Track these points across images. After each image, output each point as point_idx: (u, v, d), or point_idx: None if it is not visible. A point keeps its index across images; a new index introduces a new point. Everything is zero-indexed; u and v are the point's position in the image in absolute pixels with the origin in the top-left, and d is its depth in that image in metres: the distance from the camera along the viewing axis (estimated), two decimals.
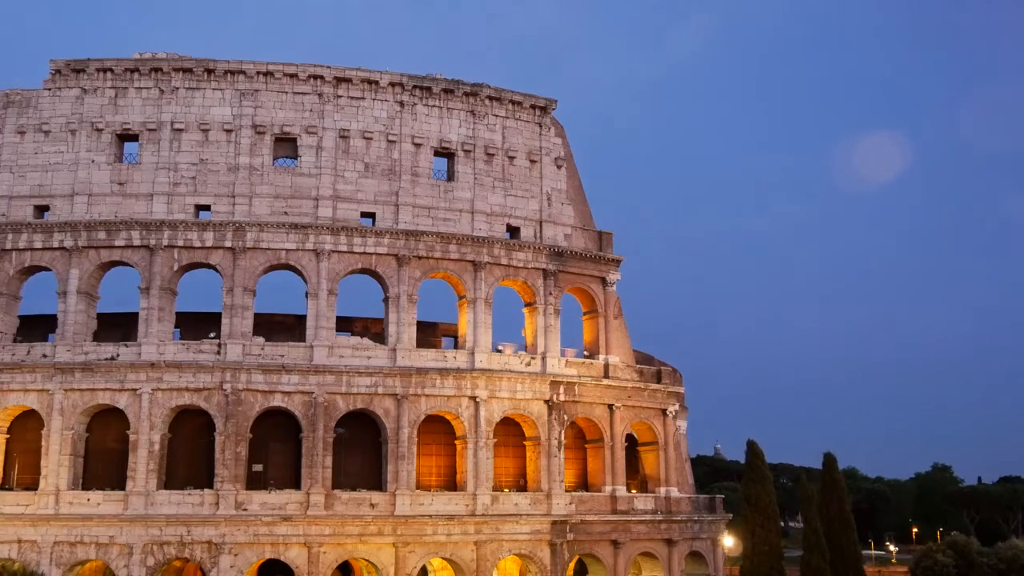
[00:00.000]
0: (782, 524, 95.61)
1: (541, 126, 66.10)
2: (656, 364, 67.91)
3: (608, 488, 62.41)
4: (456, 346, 63.37)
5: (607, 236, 66.65)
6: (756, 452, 65.55)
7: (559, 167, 66.07)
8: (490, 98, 64.56)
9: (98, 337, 58.29)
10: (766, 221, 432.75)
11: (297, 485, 56.23)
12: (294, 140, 60.73)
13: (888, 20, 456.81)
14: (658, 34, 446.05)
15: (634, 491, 65.66)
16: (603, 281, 65.50)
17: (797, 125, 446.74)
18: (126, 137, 60.15)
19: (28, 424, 57.45)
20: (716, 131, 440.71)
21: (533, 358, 61.73)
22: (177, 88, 60.21)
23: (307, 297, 58.38)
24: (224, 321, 56.99)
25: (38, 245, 57.62)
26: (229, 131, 59.88)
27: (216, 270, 58.14)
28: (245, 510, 54.33)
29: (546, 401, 61.03)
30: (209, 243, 57.72)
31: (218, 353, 56.27)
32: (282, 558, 54.63)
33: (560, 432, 61.11)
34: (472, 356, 59.70)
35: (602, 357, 64.27)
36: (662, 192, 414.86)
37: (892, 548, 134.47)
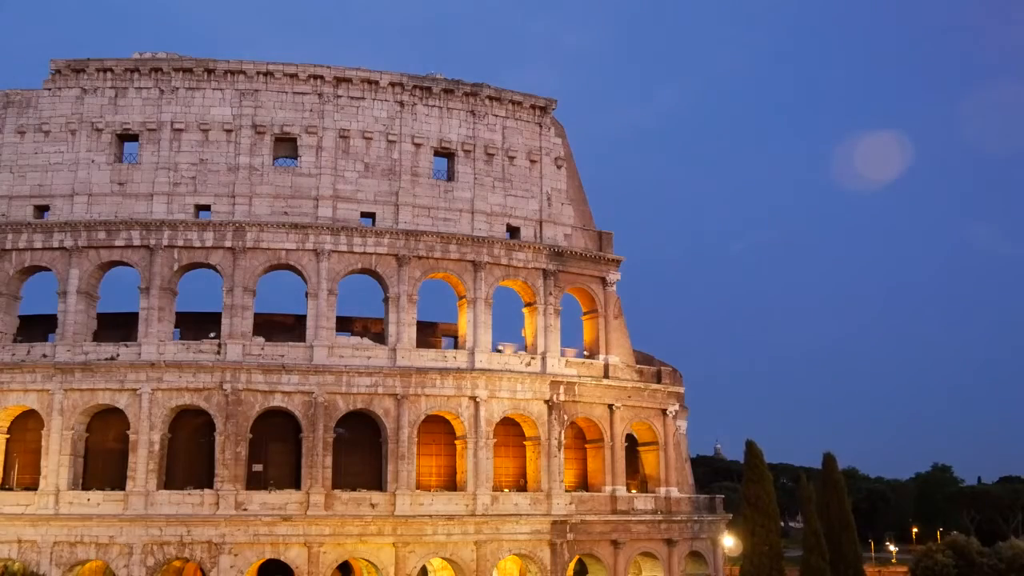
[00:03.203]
0: (782, 524, 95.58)
1: (541, 126, 66.07)
2: (656, 364, 67.87)
3: (608, 488, 62.39)
4: (456, 346, 63.35)
5: (607, 236, 66.63)
6: (756, 452, 65.50)
7: (559, 167, 66.05)
8: (490, 98, 64.53)
9: (98, 337, 58.28)
10: (766, 222, 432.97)
11: (297, 485, 56.21)
12: (294, 140, 60.72)
13: (888, 20, 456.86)
14: (656, 81, 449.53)
15: (634, 491, 65.64)
16: (603, 281, 65.47)
17: (796, 127, 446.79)
18: (126, 137, 60.14)
19: (28, 424, 57.45)
20: (719, 134, 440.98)
21: (533, 358, 61.71)
22: (177, 88, 60.19)
23: (307, 297, 58.37)
24: (224, 321, 56.98)
25: (38, 245, 57.60)
26: (229, 131, 59.86)
27: (216, 270, 58.13)
28: (245, 510, 54.31)
29: (546, 401, 61.01)
30: (209, 243, 57.70)
31: (218, 353, 56.26)
32: (282, 558, 54.62)
33: (560, 432, 61.10)
34: (472, 356, 59.68)
35: (602, 357, 64.25)
36: (662, 195, 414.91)
37: (892, 548, 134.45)
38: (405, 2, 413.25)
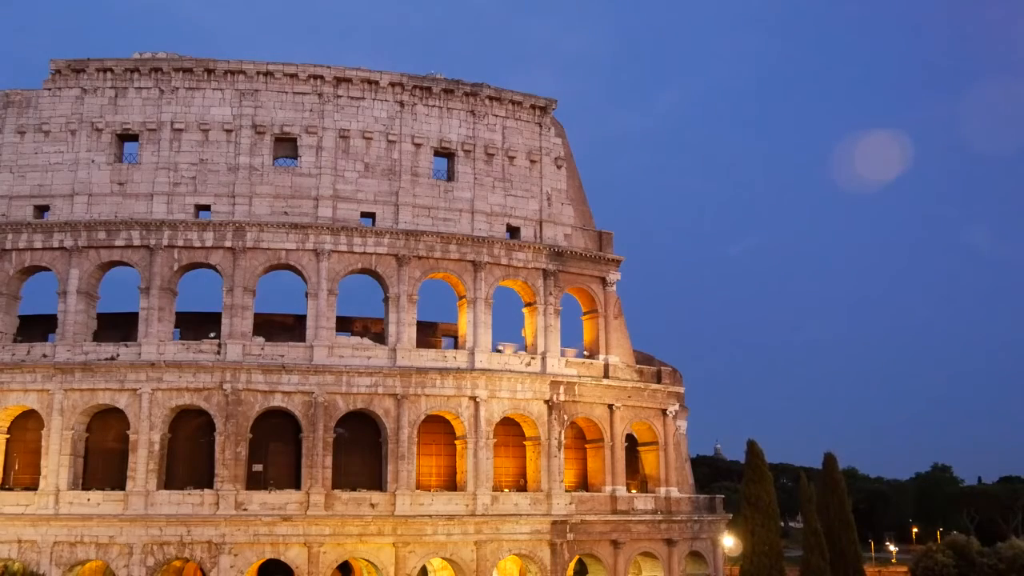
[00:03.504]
0: (782, 524, 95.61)
1: (541, 126, 66.08)
2: (656, 364, 67.89)
3: (608, 488, 62.39)
4: (456, 346, 63.36)
5: (607, 236, 66.64)
6: (756, 452, 65.54)
7: (559, 167, 66.05)
8: (490, 98, 64.53)
9: (98, 337, 58.28)
10: (766, 222, 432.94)
11: (297, 485, 56.22)
12: (294, 140, 60.72)
13: (888, 20, 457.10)
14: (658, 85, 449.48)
15: (634, 491, 65.65)
16: (603, 281, 65.49)
17: (796, 128, 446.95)
18: (126, 137, 60.15)
19: (28, 424, 57.46)
20: (718, 135, 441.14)
21: (533, 358, 61.72)
22: (177, 88, 60.20)
23: (307, 297, 58.37)
24: (224, 321, 56.99)
25: (38, 245, 57.61)
26: (229, 131, 59.87)
27: (216, 270, 58.14)
28: (245, 510, 54.32)
29: (546, 401, 61.01)
30: (209, 243, 57.71)
31: (218, 353, 56.26)
32: (282, 558, 54.62)
33: (560, 432, 61.10)
34: (472, 356, 59.69)
35: (602, 357, 64.25)
36: (662, 197, 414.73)
37: (892, 548, 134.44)
38: (404, 7, 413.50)
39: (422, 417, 58.39)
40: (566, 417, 61.70)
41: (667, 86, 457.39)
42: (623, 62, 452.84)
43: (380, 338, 60.65)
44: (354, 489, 56.97)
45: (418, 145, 62.40)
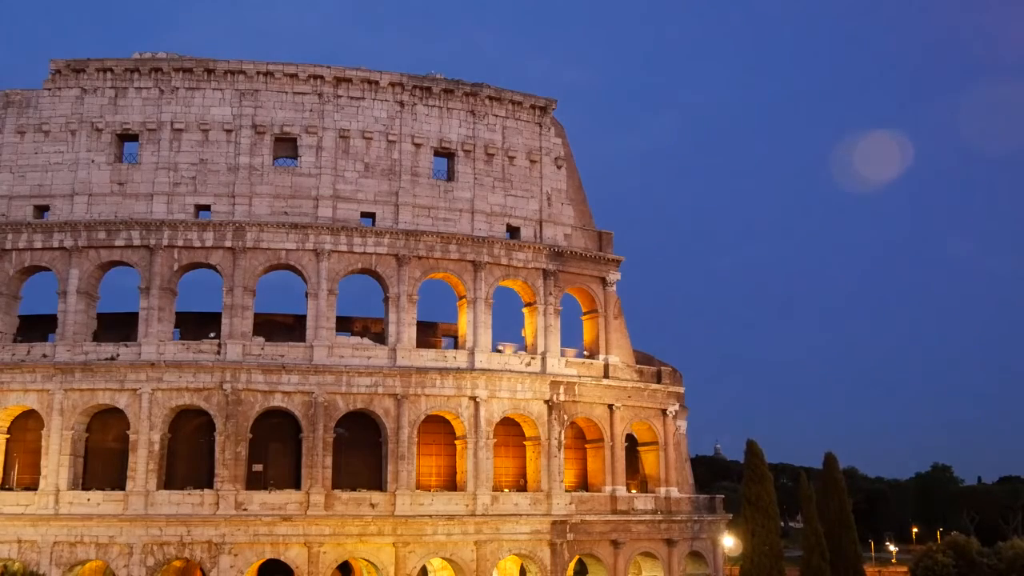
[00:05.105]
0: (782, 524, 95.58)
1: (541, 126, 66.06)
2: (656, 364, 67.87)
3: (608, 488, 62.38)
4: (456, 346, 63.35)
5: (607, 236, 66.64)
6: (756, 452, 65.55)
7: (559, 167, 66.05)
8: (490, 98, 64.51)
9: (98, 337, 58.27)
10: (766, 226, 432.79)
11: (297, 485, 56.22)
12: (294, 140, 60.71)
13: (888, 20, 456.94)
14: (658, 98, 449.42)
15: (634, 491, 65.64)
16: (603, 281, 65.48)
17: (796, 130, 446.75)
18: (126, 137, 60.14)
19: (28, 424, 57.46)
20: (720, 141, 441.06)
21: (533, 358, 61.71)
22: (177, 88, 60.18)
23: (307, 297, 58.37)
24: (224, 321, 56.98)
25: (38, 245, 57.60)
26: (229, 131, 59.86)
27: (216, 270, 58.13)
28: (245, 510, 54.31)
29: (546, 401, 61.00)
30: (209, 243, 57.70)
31: (218, 353, 56.25)
32: (282, 558, 54.62)
33: (560, 432, 61.09)
34: (472, 356, 59.68)
35: (602, 357, 64.25)
36: (663, 193, 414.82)
37: (892, 548, 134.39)
38: (403, 44, 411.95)
39: (422, 417, 58.38)
40: (566, 417, 61.69)
41: (666, 104, 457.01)
42: (621, 86, 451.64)
43: (380, 338, 60.65)
44: (354, 489, 56.96)
45: (418, 145, 62.39)
